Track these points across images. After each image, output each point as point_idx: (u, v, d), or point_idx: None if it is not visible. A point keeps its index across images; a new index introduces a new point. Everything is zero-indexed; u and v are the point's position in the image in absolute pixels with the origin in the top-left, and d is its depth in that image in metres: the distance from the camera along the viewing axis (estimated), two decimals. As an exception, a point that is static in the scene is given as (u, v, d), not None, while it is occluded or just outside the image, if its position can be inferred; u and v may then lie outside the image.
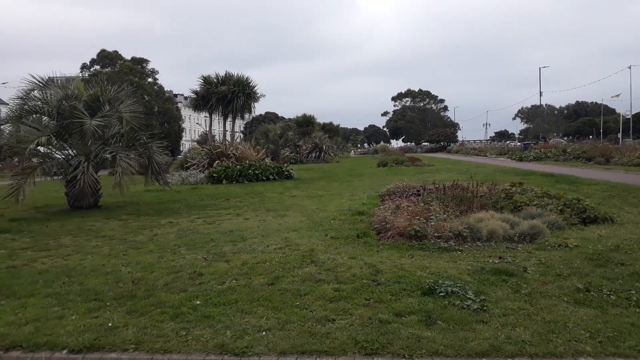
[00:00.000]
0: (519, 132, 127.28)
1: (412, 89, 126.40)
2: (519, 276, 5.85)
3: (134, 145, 14.21)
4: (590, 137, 79.61)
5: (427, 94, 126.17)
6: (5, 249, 8.46)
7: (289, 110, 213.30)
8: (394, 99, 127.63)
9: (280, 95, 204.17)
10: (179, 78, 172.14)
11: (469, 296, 5.16)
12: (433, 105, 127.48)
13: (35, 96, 14.21)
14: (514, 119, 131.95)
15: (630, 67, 63.09)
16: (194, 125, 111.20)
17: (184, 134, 71.98)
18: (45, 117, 13.91)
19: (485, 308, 4.86)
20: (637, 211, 10.35)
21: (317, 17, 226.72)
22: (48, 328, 4.65)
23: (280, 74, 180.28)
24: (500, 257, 6.79)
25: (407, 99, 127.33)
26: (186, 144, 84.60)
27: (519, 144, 75.96)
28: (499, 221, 8.26)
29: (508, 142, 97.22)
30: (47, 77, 14.37)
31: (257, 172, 22.55)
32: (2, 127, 15.58)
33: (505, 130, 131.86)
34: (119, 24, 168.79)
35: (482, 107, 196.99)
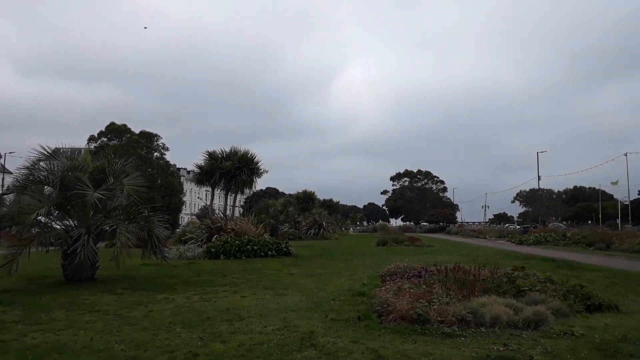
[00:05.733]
0: (517, 215, 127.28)
1: (409, 169, 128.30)
2: (525, 366, 5.66)
3: (135, 219, 14.19)
4: (589, 222, 79.66)
5: (427, 174, 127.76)
6: (-5, 321, 8.22)
7: (288, 185, 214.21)
8: (392, 178, 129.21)
9: (277, 171, 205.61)
10: (175, 151, 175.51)
11: (474, 386, 4.96)
12: (432, 186, 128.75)
13: (42, 167, 14.37)
14: (512, 202, 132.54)
15: (626, 155, 63.76)
16: (194, 198, 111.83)
17: (183, 207, 72.23)
18: (48, 187, 14.00)
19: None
20: (642, 300, 10.17)
21: (299, 100, 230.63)
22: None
23: (274, 151, 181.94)
24: (505, 345, 6.61)
25: (405, 178, 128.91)
26: (185, 217, 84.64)
27: (518, 227, 75.78)
28: (502, 306, 8.10)
29: (507, 224, 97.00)
30: (53, 148, 14.63)
31: (255, 247, 22.32)
32: (4, 197, 15.68)
33: (504, 212, 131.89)
34: (114, 100, 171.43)
35: (481, 189, 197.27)
